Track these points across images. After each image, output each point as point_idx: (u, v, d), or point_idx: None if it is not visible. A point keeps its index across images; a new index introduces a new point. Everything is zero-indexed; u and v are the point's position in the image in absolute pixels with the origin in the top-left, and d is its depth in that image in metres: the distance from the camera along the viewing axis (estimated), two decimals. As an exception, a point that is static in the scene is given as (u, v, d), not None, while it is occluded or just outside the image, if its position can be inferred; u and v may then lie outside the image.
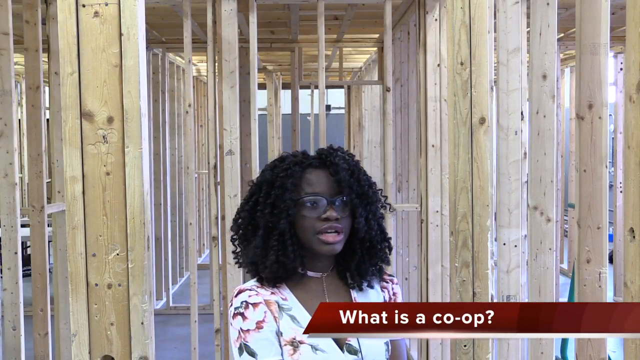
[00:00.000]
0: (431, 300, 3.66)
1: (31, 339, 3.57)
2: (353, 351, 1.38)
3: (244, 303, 1.37)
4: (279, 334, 1.36)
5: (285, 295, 1.40)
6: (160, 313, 5.82)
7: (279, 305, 1.38)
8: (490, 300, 1.75)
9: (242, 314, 1.36)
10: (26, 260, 5.20)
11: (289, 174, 1.39)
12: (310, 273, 1.43)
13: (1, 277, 3.39)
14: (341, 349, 1.37)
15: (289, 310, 1.39)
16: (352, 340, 1.38)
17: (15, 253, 3.26)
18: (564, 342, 3.88)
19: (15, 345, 3.27)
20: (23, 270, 3.38)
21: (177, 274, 6.68)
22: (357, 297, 1.44)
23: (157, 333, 4.44)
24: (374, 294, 1.47)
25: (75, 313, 1.52)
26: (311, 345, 1.35)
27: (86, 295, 1.52)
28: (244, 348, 1.35)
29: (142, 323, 1.52)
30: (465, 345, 1.69)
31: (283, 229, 1.37)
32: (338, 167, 1.39)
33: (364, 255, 1.43)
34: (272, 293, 1.40)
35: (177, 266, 6.69)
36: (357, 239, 1.42)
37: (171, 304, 6.04)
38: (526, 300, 2.96)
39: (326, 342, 1.36)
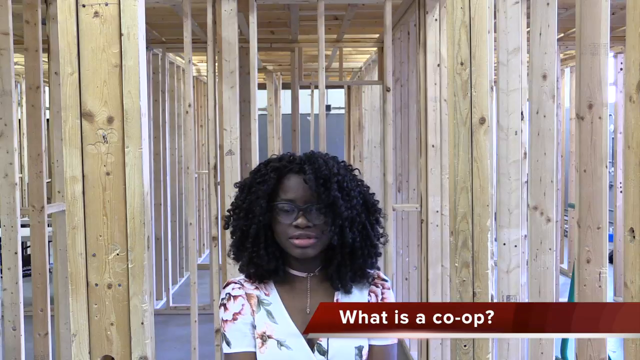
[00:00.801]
0: (431, 300, 3.66)
1: (31, 339, 3.57)
2: (322, 352, 1.40)
3: (227, 295, 1.44)
4: (253, 326, 1.41)
5: (269, 291, 1.44)
6: (160, 313, 5.82)
7: (258, 300, 1.43)
8: (490, 300, 1.75)
9: (224, 305, 1.43)
10: (26, 260, 5.20)
11: (265, 179, 1.41)
12: (293, 272, 1.45)
13: (1, 277, 3.39)
14: (312, 348, 1.39)
15: (268, 305, 1.43)
16: (322, 340, 1.40)
17: (15, 253, 3.26)
18: (564, 342, 3.88)
19: (15, 345, 3.27)
20: (23, 270, 3.38)
21: (177, 274, 6.68)
22: (340, 299, 1.45)
23: (157, 333, 4.44)
24: (358, 298, 1.47)
25: (75, 313, 1.52)
26: (277, 341, 1.39)
27: (86, 295, 1.52)
28: (223, 337, 1.42)
29: (142, 323, 1.52)
30: (465, 345, 1.69)
31: (254, 233, 1.40)
32: (306, 176, 1.38)
33: (345, 259, 1.42)
34: (257, 288, 1.45)
35: (177, 266, 6.69)
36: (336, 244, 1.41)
37: (171, 304, 6.04)
38: (526, 301, 2.96)
39: (295, 340, 1.39)
